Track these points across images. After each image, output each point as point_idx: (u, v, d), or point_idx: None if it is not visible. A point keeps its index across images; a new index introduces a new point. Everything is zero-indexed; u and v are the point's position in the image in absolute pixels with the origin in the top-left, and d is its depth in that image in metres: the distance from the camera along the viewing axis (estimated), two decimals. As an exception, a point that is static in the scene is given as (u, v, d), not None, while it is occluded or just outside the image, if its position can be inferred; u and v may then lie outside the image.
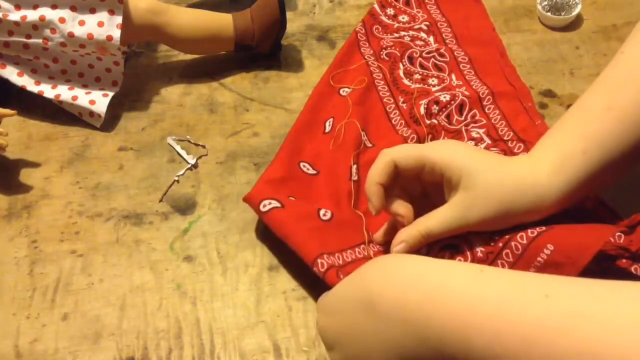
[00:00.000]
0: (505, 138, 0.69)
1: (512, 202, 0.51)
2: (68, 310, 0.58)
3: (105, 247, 0.63)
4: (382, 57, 0.78)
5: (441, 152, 0.52)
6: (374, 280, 0.43)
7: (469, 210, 0.51)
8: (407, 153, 0.53)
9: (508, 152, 0.67)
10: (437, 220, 0.53)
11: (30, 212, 0.66)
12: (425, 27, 0.82)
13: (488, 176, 0.51)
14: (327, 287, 0.59)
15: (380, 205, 0.54)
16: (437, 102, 0.71)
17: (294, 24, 0.85)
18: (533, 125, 0.70)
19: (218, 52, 0.80)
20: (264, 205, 0.59)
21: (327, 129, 0.70)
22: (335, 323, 0.45)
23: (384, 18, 0.84)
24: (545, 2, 0.83)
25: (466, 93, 0.72)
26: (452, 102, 0.71)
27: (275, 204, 0.59)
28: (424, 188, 0.56)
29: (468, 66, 0.77)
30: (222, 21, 0.76)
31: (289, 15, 0.80)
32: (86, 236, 0.64)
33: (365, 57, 0.78)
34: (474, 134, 0.69)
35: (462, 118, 0.71)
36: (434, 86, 0.75)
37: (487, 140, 0.68)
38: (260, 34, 0.76)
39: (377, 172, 0.53)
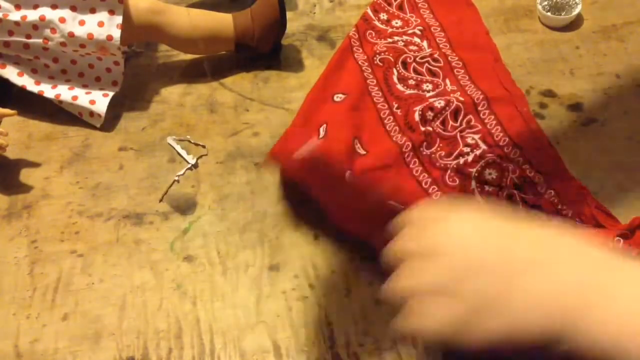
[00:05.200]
0: (500, 144, 0.69)
1: None
2: (68, 310, 0.58)
3: (105, 247, 0.63)
4: (375, 62, 0.78)
5: None
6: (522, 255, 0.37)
7: None
8: None
9: (504, 157, 0.67)
10: None
11: (30, 212, 0.66)
12: (418, 32, 0.82)
13: None
14: (329, 285, 0.60)
15: None
16: (431, 108, 0.71)
17: (294, 24, 0.84)
18: (528, 129, 0.70)
19: (218, 52, 0.80)
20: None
21: (322, 134, 0.70)
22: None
23: (377, 23, 0.84)
24: (546, 2, 0.83)
25: (461, 99, 0.72)
26: (447, 107, 0.71)
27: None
28: None
29: (462, 71, 0.77)
30: (222, 21, 0.76)
31: (289, 15, 0.80)
32: (86, 236, 0.64)
33: (359, 62, 0.78)
34: (469, 140, 0.69)
35: (457, 124, 0.70)
36: (428, 92, 0.74)
37: (483, 146, 0.68)
38: (260, 34, 0.76)
39: None
